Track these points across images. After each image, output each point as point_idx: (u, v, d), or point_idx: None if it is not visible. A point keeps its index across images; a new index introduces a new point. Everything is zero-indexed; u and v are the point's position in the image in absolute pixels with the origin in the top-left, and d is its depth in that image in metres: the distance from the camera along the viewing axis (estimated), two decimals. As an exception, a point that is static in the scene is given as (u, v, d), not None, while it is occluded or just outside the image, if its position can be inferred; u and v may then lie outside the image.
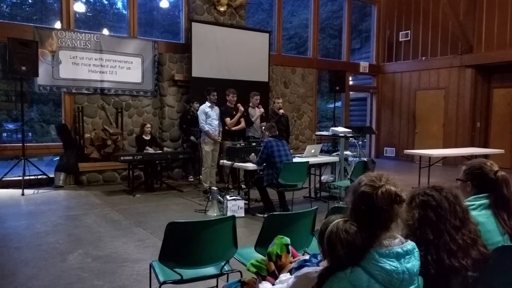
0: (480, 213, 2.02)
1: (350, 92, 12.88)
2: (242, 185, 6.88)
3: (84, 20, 10.86)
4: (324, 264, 1.52)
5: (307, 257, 1.73)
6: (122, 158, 7.00)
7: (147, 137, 7.73)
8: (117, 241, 4.49)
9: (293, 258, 1.85)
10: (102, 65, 8.13)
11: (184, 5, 9.20)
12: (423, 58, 11.77)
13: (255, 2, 11.26)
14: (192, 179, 8.36)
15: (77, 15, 8.42)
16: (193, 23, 8.65)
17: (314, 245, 2.62)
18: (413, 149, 10.82)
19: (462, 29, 10.53)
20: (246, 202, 5.99)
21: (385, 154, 12.77)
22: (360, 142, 7.83)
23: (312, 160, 6.44)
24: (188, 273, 2.44)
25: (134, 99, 8.57)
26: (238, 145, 6.03)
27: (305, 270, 1.55)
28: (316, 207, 2.79)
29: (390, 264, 1.37)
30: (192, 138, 7.98)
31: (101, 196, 6.91)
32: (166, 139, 8.83)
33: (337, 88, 10.68)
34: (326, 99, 14.03)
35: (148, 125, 7.79)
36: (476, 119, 10.85)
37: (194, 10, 8.96)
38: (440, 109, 11.39)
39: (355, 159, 7.05)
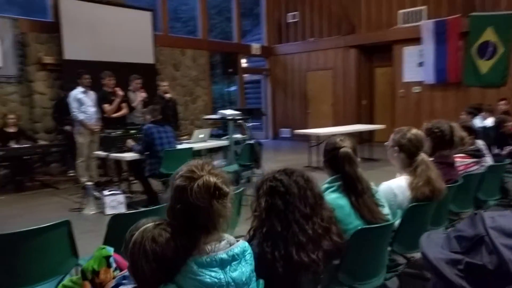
0: (339, 195, 1.86)
1: (246, 75, 12.74)
2: (130, 177, 6.32)
3: None
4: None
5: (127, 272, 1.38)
6: (-23, 155, 5.99)
7: (12, 130, 6.72)
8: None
9: (121, 271, 1.49)
10: None
11: (50, -22, 8.10)
12: (311, 39, 12.05)
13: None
14: (73, 174, 7.52)
15: None
16: (61, -1, 7.66)
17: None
18: (307, 129, 11.07)
19: (344, 10, 10.92)
20: (130, 195, 5.50)
21: (281, 135, 12.96)
22: (251, 125, 7.69)
23: (200, 145, 6.11)
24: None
25: (-6, 86, 7.38)
26: (113, 133, 5.44)
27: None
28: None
29: (211, 276, 1.08)
30: (67, 127, 7.13)
31: (-48, 202, 5.84)
32: (40, 131, 7.80)
33: (230, 70, 10.47)
34: (228, 82, 13.74)
35: (11, 116, 6.77)
36: (361, 97, 11.44)
37: (63, -16, 7.92)
38: (329, 89, 11.81)
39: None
